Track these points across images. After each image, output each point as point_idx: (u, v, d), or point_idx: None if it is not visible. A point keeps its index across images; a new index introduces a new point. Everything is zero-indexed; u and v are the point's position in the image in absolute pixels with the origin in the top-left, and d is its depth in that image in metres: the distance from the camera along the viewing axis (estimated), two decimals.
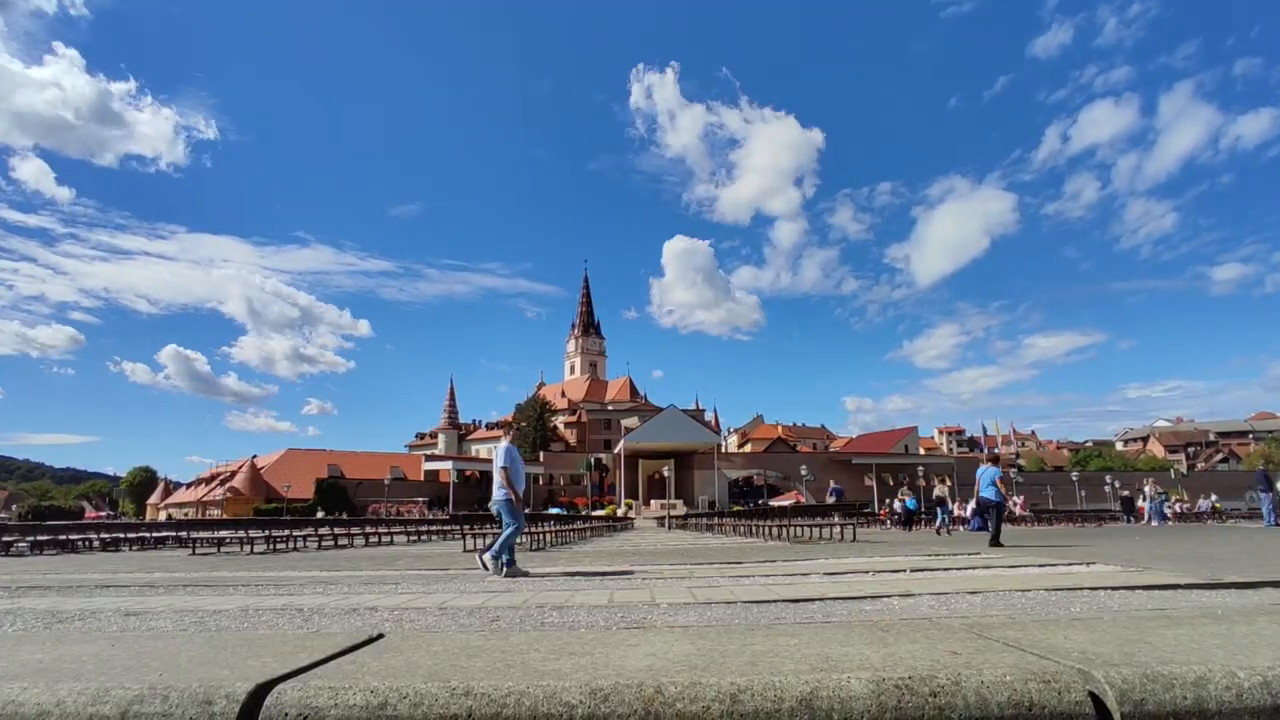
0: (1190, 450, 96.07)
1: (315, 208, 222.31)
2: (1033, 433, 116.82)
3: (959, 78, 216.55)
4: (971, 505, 22.15)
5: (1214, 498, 34.39)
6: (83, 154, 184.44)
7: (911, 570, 7.19)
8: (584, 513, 44.61)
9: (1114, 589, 5.20)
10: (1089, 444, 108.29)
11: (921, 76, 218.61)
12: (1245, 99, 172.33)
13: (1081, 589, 5.21)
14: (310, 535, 19.02)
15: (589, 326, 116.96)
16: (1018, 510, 28.99)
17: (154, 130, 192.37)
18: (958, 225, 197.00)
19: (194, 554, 14.73)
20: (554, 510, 48.51)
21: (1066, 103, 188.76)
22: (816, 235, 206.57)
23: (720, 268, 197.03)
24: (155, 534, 22.06)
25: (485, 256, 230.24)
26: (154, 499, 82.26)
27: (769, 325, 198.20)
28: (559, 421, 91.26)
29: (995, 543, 11.35)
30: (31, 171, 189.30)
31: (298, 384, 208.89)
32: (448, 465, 64.37)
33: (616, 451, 58.62)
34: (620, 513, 46.96)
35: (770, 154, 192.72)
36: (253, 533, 19.08)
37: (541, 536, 16.78)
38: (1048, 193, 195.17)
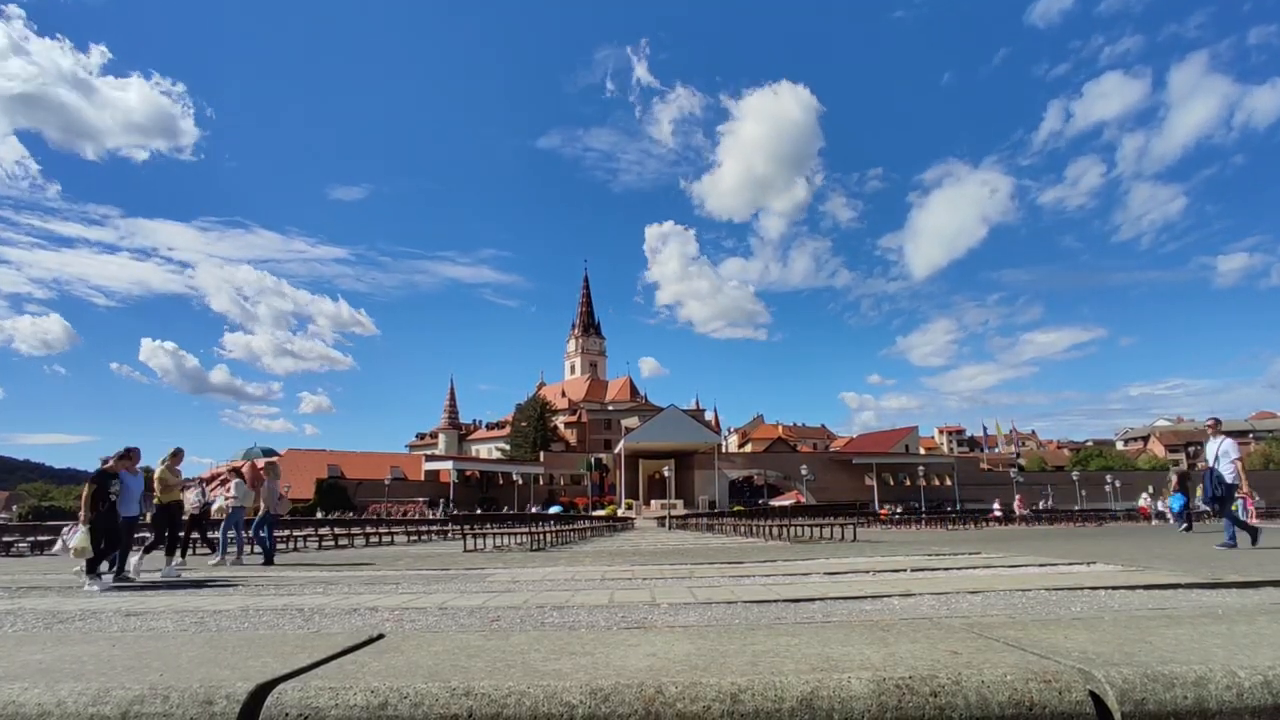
0: (1191, 450, 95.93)
1: (252, 189, 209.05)
2: (1033, 432, 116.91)
3: (952, 51, 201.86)
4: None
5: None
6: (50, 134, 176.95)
7: (912, 570, 7.20)
8: (584, 512, 44.62)
9: (1114, 588, 5.20)
10: (1089, 443, 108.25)
11: (911, 50, 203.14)
12: (1261, 71, 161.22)
13: (1082, 588, 5.21)
14: (310, 535, 19.03)
15: (589, 326, 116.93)
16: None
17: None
18: (954, 213, 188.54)
19: (194, 553, 14.73)
20: (554, 510, 48.52)
21: (1069, 78, 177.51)
22: (807, 225, 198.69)
23: (709, 260, 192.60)
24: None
25: (440, 244, 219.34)
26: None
27: (762, 320, 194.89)
28: (559, 421, 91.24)
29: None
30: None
31: (297, 378, 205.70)
32: (448, 465, 64.37)
33: (617, 451, 58.63)
34: (620, 513, 46.97)
35: (759, 131, 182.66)
36: None
37: (542, 537, 16.79)
38: (1048, 177, 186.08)
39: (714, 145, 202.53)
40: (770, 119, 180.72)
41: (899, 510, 34.15)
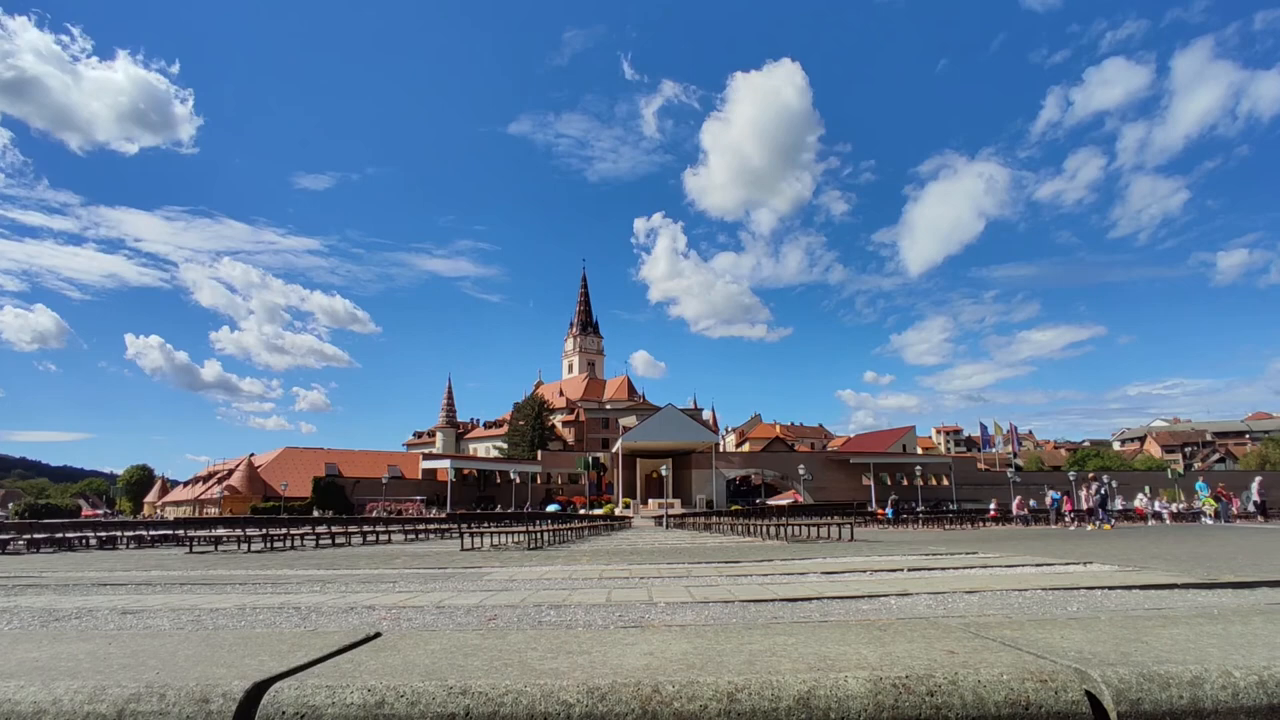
0: (1187, 450, 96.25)
1: (213, 177, 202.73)
2: (1030, 432, 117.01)
3: (946, 36, 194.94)
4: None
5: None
6: None
7: (909, 570, 7.20)
8: (582, 511, 44.61)
9: (1110, 588, 5.22)
10: (1086, 444, 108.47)
11: (904, 36, 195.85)
12: (1267, 56, 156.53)
13: (1078, 588, 5.22)
14: (308, 534, 19.01)
15: (587, 325, 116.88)
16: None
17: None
18: (950, 207, 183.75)
19: (191, 552, 14.71)
20: (552, 509, 48.50)
21: (1069, 65, 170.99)
22: (800, 219, 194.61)
23: (700, 254, 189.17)
24: (152, 532, 22.04)
25: (414, 235, 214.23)
26: (151, 497, 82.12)
27: (757, 317, 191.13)
28: (557, 420, 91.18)
29: None
30: None
31: (293, 375, 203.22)
32: (445, 464, 64.24)
33: (614, 450, 58.61)
34: (618, 512, 46.95)
35: (750, 120, 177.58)
36: (250, 531, 19.09)
37: (539, 535, 16.79)
38: (1046, 170, 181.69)
39: (701, 136, 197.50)
40: (761, 108, 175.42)
41: (895, 500, 33.96)
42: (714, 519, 29.55)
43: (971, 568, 7.39)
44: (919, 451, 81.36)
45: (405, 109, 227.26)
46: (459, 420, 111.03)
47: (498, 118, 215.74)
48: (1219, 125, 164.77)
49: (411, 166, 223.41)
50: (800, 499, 47.87)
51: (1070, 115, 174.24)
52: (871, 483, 56.15)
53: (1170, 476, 53.54)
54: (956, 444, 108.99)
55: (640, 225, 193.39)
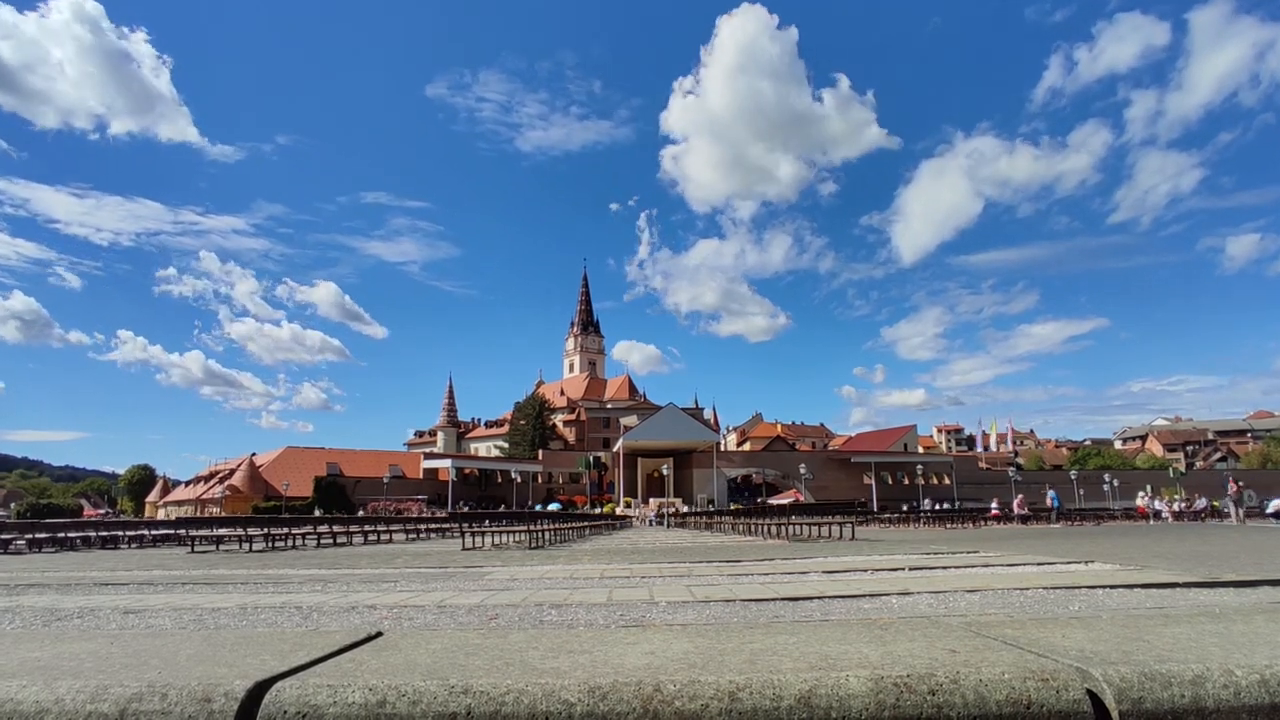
0: (1189, 449, 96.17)
1: (109, 148, 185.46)
2: (1031, 431, 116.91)
3: None
4: None
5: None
6: None
7: (910, 569, 7.20)
8: (583, 511, 44.62)
9: (1112, 587, 5.21)
10: (1087, 443, 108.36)
11: None
12: None
13: (1080, 587, 5.22)
14: (309, 533, 19.02)
15: (588, 325, 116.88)
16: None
17: None
18: (945, 188, 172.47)
19: (193, 552, 14.73)
20: (553, 508, 48.53)
21: (1072, 24, 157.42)
22: (785, 203, 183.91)
23: (682, 242, 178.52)
24: (154, 532, 22.08)
25: (343, 214, 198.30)
26: (153, 497, 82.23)
27: (752, 311, 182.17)
28: (558, 420, 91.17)
29: None
30: None
31: (292, 375, 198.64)
32: (446, 464, 64.30)
33: (616, 450, 58.62)
34: (619, 511, 46.97)
35: (729, 86, 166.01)
36: (251, 530, 19.11)
37: (540, 535, 16.80)
38: (1048, 144, 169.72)
39: (662, 114, 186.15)
40: (735, 67, 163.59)
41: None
42: (715, 518, 29.58)
43: (973, 567, 7.39)
44: (920, 450, 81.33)
45: (311, 69, 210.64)
46: (460, 420, 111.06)
47: (411, 79, 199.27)
48: (1240, 92, 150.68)
49: (327, 136, 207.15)
50: (801, 498, 47.86)
51: (1074, 80, 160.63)
52: (872, 482, 56.14)
53: (1172, 475, 53.49)
54: (958, 443, 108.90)
55: (616, 210, 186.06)
